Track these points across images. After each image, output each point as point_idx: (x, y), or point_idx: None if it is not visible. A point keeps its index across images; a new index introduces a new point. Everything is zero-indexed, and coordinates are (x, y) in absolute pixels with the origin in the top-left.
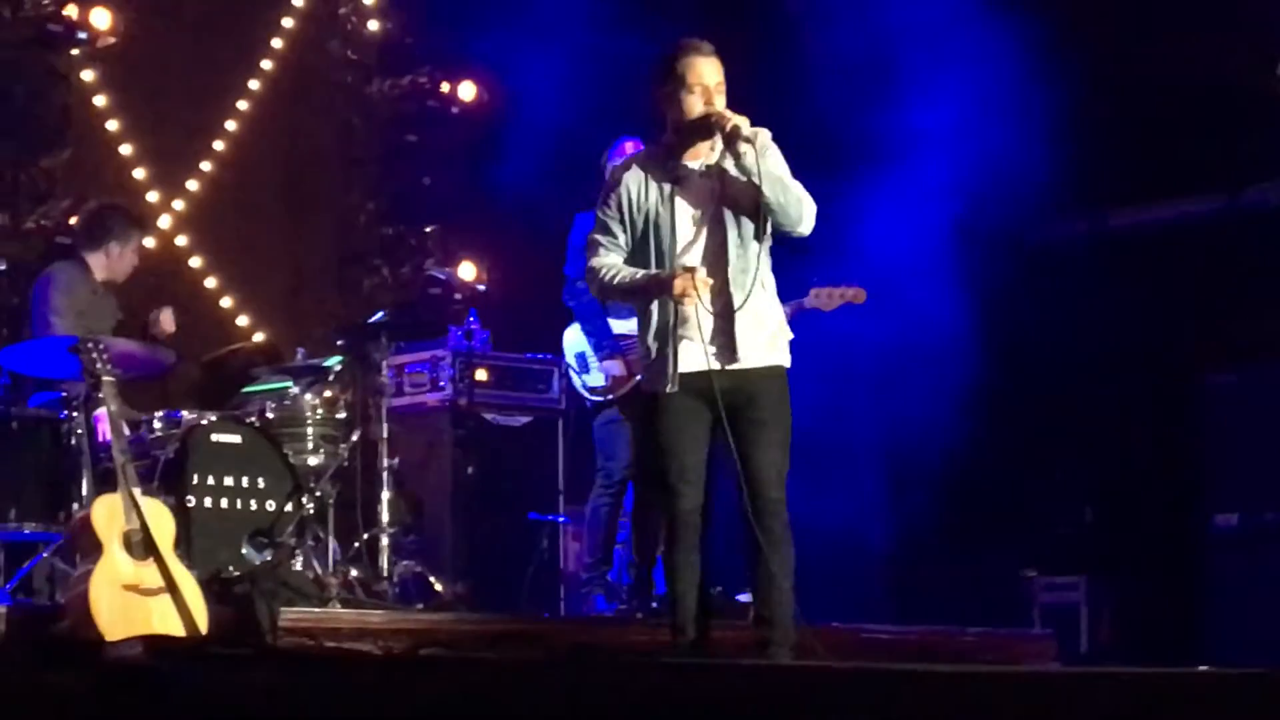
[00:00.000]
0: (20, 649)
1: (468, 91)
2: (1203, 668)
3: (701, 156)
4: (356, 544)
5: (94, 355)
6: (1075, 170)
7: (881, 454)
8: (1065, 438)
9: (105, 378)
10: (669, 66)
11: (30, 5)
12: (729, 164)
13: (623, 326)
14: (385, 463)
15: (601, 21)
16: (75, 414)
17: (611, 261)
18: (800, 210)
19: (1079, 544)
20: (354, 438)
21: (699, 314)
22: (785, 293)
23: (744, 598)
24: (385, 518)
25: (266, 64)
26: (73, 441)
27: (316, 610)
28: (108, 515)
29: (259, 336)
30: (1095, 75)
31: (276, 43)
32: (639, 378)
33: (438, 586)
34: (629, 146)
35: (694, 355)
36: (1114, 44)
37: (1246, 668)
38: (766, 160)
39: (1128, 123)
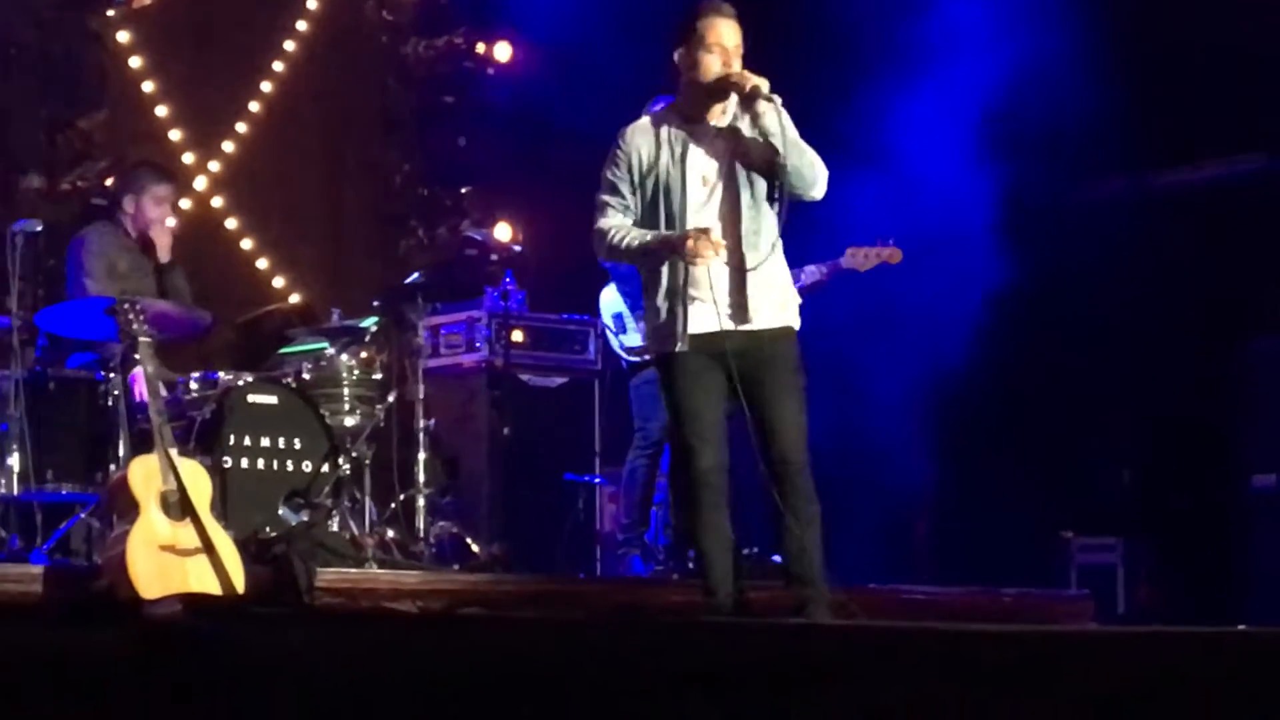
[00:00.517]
0: (58, 609)
1: (503, 52)
2: (1240, 628)
3: (715, 118)
4: (393, 505)
5: (130, 316)
6: (1117, 131)
7: (920, 414)
8: (1104, 399)
9: (142, 339)
10: (689, 26)
11: None
12: (743, 125)
13: None
14: (421, 424)
15: None
16: (112, 375)
17: (620, 223)
18: (814, 173)
19: (1117, 505)
20: (390, 399)
21: (711, 274)
22: (820, 253)
23: (779, 559)
24: (421, 478)
25: (302, 25)
26: (109, 402)
27: (353, 571)
28: (145, 476)
29: (295, 297)
30: (1137, 34)
31: (312, 3)
32: None
33: (474, 547)
34: None
35: (706, 316)
36: (1157, 2)
37: None
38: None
39: (1169, 83)
